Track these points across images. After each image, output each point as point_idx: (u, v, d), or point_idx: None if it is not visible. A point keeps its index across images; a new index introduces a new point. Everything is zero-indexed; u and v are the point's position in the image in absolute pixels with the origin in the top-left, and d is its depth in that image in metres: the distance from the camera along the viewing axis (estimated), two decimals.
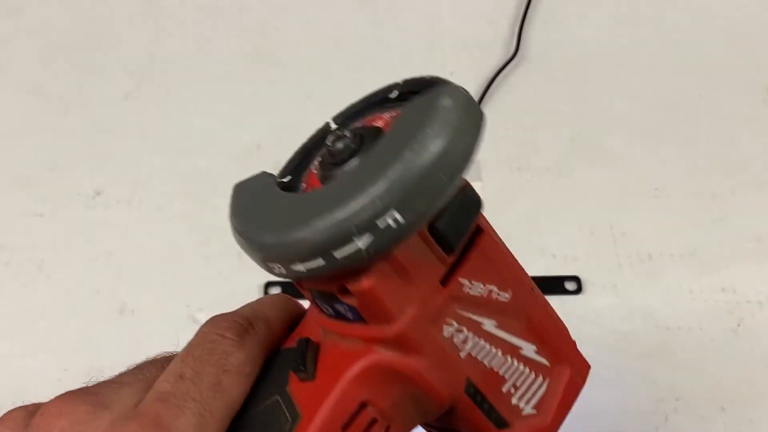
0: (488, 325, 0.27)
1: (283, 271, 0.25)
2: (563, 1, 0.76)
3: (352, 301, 0.25)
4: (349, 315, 0.26)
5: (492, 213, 0.25)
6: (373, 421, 0.26)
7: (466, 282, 0.26)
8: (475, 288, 0.26)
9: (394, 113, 0.27)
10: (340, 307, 0.26)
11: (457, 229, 0.25)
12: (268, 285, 0.57)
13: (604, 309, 0.56)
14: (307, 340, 0.28)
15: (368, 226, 0.23)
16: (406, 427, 0.27)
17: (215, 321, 0.29)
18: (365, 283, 0.25)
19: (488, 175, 0.64)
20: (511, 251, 0.28)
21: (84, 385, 0.29)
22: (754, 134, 0.67)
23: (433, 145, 0.23)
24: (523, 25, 0.73)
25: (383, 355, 0.26)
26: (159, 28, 0.74)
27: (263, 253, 0.25)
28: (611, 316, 0.56)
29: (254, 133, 0.66)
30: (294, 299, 0.33)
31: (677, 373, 0.54)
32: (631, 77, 0.71)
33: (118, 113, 0.68)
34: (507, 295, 0.27)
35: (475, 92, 0.69)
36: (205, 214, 0.62)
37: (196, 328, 0.58)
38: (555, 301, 0.45)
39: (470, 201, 0.26)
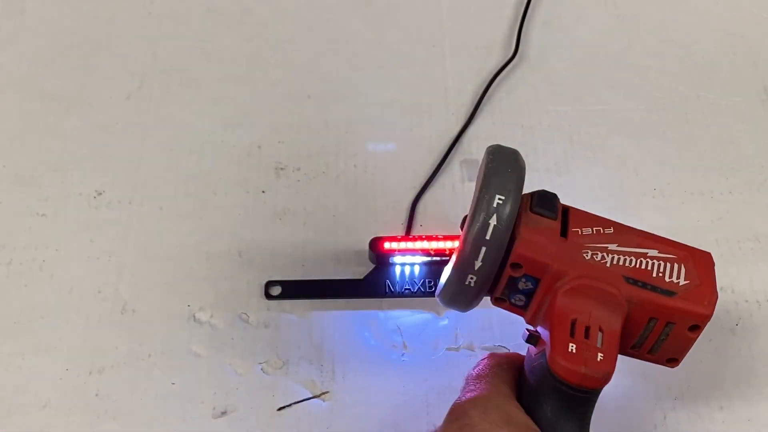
0: (612, 246, 0.43)
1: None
2: (562, 2, 0.77)
3: (520, 272, 0.42)
4: (524, 299, 0.43)
5: None
6: (588, 329, 0.40)
7: (578, 230, 0.43)
8: (585, 231, 0.43)
9: None
10: (520, 297, 0.44)
11: (546, 206, 0.43)
12: (269, 284, 0.58)
13: None
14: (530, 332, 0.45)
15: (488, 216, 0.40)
16: (613, 325, 0.41)
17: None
18: (517, 249, 0.41)
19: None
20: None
21: None
22: (752, 134, 0.67)
23: None
24: (522, 27, 0.73)
25: (562, 288, 0.41)
26: (161, 28, 0.74)
27: None
28: None
29: (254, 134, 0.67)
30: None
31: (676, 372, 0.54)
32: (629, 78, 0.71)
33: (119, 113, 0.68)
34: (611, 230, 0.44)
35: (474, 93, 0.69)
36: (206, 214, 0.62)
37: (197, 327, 0.59)
38: None
39: (547, 197, 0.44)
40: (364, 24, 0.75)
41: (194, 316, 0.57)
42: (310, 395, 0.53)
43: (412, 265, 0.58)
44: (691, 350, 0.55)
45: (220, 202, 0.63)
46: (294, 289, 0.58)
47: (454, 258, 0.43)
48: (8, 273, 0.58)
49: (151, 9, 0.75)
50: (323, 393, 0.53)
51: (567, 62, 0.72)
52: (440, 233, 0.58)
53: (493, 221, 0.40)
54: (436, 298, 0.46)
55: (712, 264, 0.44)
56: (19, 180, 0.63)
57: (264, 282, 0.58)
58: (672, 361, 0.45)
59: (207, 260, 0.59)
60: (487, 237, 0.40)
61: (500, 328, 0.56)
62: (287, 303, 0.57)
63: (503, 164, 0.42)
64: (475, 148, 0.66)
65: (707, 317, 0.42)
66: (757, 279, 0.59)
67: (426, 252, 0.57)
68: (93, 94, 0.69)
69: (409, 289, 0.57)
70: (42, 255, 0.59)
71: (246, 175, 0.64)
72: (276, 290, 0.57)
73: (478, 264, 0.41)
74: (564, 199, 0.63)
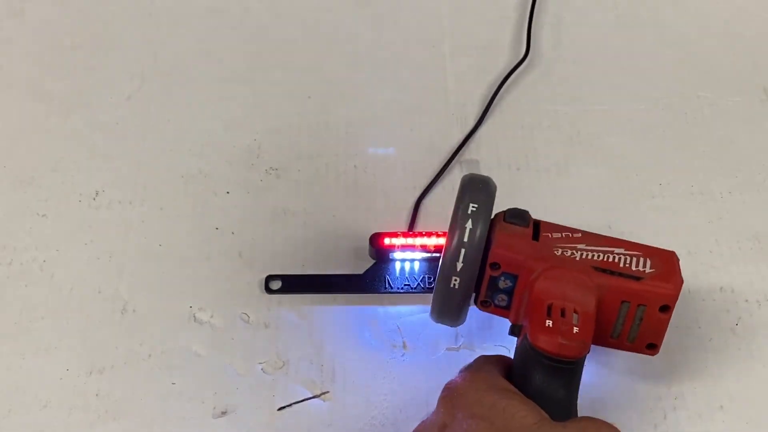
0: (581, 246, 0.47)
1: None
2: (561, 3, 0.77)
3: (498, 271, 0.46)
4: (506, 299, 0.48)
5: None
6: (563, 310, 0.44)
7: (548, 234, 0.48)
8: (556, 235, 0.48)
9: None
10: (503, 297, 0.48)
11: (518, 217, 0.48)
12: (269, 278, 0.58)
13: None
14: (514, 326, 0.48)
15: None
16: (586, 305, 0.44)
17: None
18: (494, 250, 0.46)
19: (488, 175, 0.64)
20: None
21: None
22: (751, 134, 0.67)
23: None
24: (530, 28, 0.73)
25: (537, 278, 0.45)
26: (161, 29, 0.74)
27: None
28: None
29: (254, 134, 0.67)
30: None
31: (676, 372, 0.55)
32: (629, 78, 0.71)
33: (120, 114, 0.68)
34: (579, 235, 0.48)
35: (475, 93, 0.69)
36: (206, 214, 0.62)
37: (197, 327, 0.59)
38: None
39: (518, 211, 0.48)
40: (364, 24, 0.75)
41: (194, 316, 0.57)
42: (310, 395, 0.53)
43: (412, 261, 0.58)
44: (690, 350, 0.55)
45: (220, 202, 0.63)
46: (294, 284, 0.58)
47: (438, 270, 0.47)
48: (8, 273, 0.58)
49: (151, 9, 0.75)
50: (323, 393, 0.53)
51: (567, 62, 0.72)
52: (441, 230, 0.57)
53: (468, 225, 0.45)
54: (430, 317, 0.49)
55: (677, 259, 0.48)
56: (19, 180, 0.64)
57: (263, 278, 0.58)
58: (651, 348, 0.48)
59: (207, 260, 0.59)
60: (465, 239, 0.45)
61: (500, 328, 0.55)
62: (288, 302, 0.57)
63: (475, 183, 0.48)
64: (474, 148, 0.66)
65: (674, 297, 0.46)
66: (757, 279, 0.59)
67: (426, 248, 0.57)
68: (93, 95, 0.69)
69: (409, 285, 0.57)
70: (42, 255, 0.59)
71: (246, 175, 0.64)
72: (276, 284, 0.57)
73: (459, 265, 0.45)
74: (564, 199, 0.64)
